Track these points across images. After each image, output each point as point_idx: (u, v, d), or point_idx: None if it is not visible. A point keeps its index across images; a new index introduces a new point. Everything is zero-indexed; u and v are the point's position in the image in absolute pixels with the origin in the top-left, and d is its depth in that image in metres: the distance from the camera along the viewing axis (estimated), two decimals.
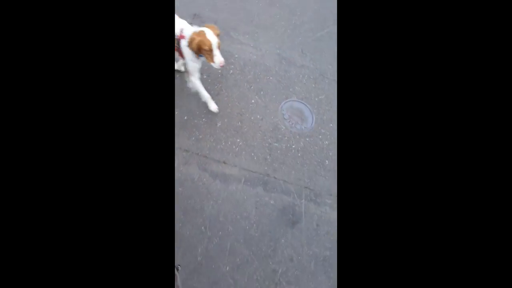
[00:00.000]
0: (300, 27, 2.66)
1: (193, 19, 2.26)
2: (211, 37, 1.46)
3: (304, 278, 1.54)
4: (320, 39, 2.62)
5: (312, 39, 2.65)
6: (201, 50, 1.49)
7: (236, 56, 2.21)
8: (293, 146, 1.97)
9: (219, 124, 1.86)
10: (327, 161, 1.98)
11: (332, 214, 1.78)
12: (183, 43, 1.56)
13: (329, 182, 1.89)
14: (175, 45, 1.61)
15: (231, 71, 2.12)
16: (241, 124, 1.91)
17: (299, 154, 1.94)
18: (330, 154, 2.02)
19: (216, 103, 1.90)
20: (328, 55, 2.52)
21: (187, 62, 1.67)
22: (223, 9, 2.42)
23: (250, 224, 1.59)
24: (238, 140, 1.84)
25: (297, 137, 2.01)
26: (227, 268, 1.44)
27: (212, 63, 1.52)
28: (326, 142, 2.07)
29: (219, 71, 2.08)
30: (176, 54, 1.69)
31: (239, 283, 1.42)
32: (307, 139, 2.03)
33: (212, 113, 1.90)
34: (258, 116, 1.99)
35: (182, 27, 1.57)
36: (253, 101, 2.04)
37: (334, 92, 2.32)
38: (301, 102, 2.21)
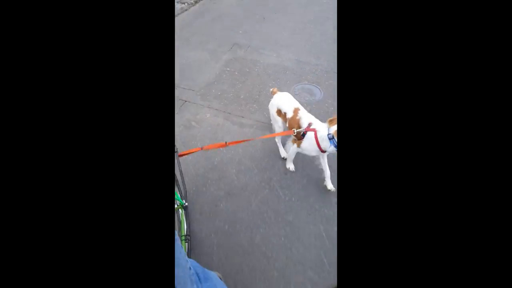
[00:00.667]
0: (318, 44, 3.41)
1: (233, 47, 3.33)
2: None
3: (296, 187, 1.86)
4: (336, 48, 3.26)
5: (327, 48, 3.33)
6: None
7: (261, 61, 3.07)
8: None
9: (242, 96, 2.60)
10: None
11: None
12: (311, 135, 1.67)
13: None
14: (298, 135, 1.72)
15: (256, 69, 2.96)
16: (258, 97, 2.60)
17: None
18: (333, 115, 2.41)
19: (241, 87, 2.71)
20: None
21: (303, 146, 1.74)
22: (255, 38, 3.46)
23: (256, 150, 2.09)
24: (255, 105, 2.51)
25: (305, 104, 2.52)
26: (234, 170, 1.94)
27: None
28: (332, 108, 2.49)
29: (247, 69, 2.95)
30: (292, 141, 1.86)
31: (241, 180, 1.88)
32: (313, 105, 2.51)
33: (238, 88, 2.67)
34: None
35: (311, 121, 1.71)
36: (270, 84, 2.74)
37: None
38: (311, 84, 2.78)
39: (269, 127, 2.30)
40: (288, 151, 1.94)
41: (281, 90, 2.71)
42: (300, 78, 2.85)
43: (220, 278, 1.33)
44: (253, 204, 1.75)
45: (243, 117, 2.40)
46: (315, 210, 1.73)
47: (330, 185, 1.85)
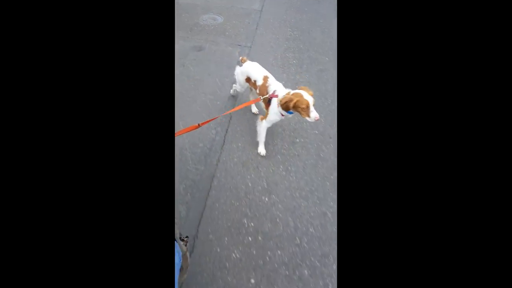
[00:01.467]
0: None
1: None
2: (308, 97, 1.65)
3: (208, 65, 2.96)
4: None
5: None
6: (296, 108, 1.66)
7: (180, 2, 4.00)
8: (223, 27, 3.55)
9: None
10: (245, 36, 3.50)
11: (250, 52, 3.21)
12: (275, 101, 1.79)
13: (249, 41, 3.37)
14: (265, 102, 1.86)
15: (183, 15, 3.90)
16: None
17: (226, 32, 3.51)
18: (253, 28, 3.54)
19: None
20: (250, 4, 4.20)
21: (269, 114, 1.87)
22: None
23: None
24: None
25: (210, 25, 3.59)
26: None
27: (307, 118, 1.67)
28: (229, 27, 3.61)
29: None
30: (262, 105, 1.99)
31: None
32: (216, 26, 3.60)
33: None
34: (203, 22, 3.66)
35: (276, 88, 1.83)
36: (184, 15, 3.73)
37: (258, 16, 3.93)
38: (215, 14, 3.84)
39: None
40: (259, 132, 1.99)
41: (192, 19, 3.76)
42: (207, 11, 3.89)
43: (180, 238, 1.31)
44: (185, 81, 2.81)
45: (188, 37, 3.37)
46: (223, 77, 2.87)
47: (263, 150, 2.04)
